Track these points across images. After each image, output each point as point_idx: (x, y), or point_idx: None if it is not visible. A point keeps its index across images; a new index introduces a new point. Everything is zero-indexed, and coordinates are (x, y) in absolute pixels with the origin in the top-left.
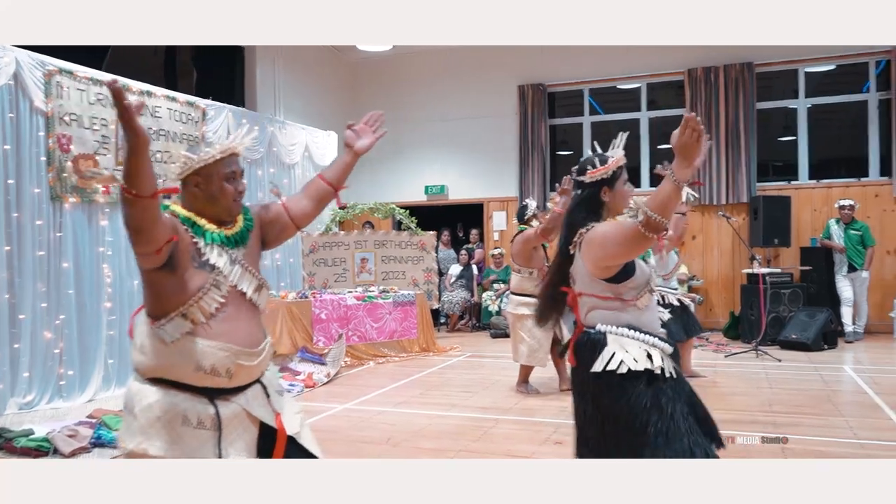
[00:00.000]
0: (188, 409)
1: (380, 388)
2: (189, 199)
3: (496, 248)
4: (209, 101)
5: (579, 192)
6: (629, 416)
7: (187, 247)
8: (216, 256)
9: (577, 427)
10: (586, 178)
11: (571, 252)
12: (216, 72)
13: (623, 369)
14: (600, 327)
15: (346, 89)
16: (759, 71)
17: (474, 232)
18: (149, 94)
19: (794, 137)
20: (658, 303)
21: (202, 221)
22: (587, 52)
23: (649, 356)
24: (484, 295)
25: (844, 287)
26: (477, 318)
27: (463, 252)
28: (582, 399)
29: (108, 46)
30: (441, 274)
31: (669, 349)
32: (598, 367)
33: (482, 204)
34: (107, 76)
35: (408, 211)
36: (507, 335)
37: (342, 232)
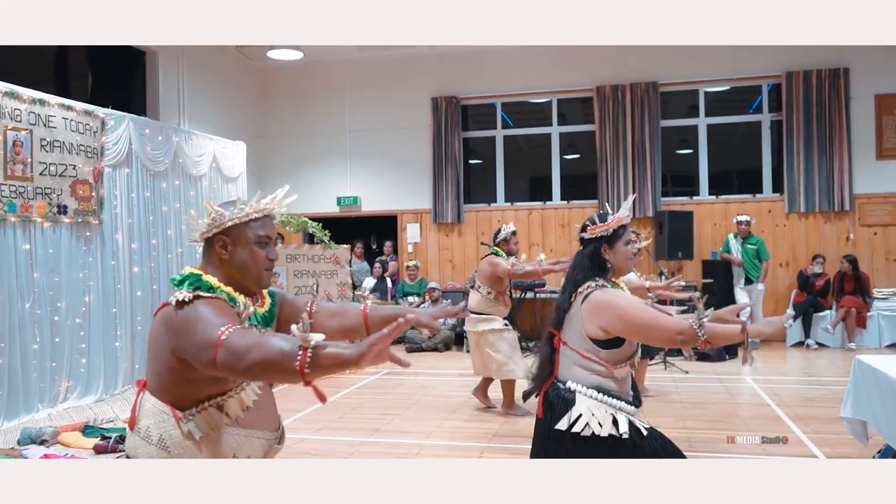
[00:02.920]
0: None
1: (296, 412)
2: (213, 262)
3: (410, 260)
4: (109, 110)
5: (582, 248)
6: None
7: None
8: None
9: None
10: (586, 235)
11: (570, 301)
12: (114, 76)
13: (587, 432)
14: (570, 385)
15: (256, 98)
16: (663, 91)
17: (388, 244)
18: (42, 102)
19: (690, 151)
20: None
21: (241, 298)
22: (498, 65)
23: (615, 421)
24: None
25: (742, 298)
26: None
27: (377, 264)
28: (543, 449)
29: None
30: (355, 287)
31: (636, 411)
32: (562, 425)
33: (396, 216)
34: None
35: (320, 224)
36: (422, 349)
37: None
